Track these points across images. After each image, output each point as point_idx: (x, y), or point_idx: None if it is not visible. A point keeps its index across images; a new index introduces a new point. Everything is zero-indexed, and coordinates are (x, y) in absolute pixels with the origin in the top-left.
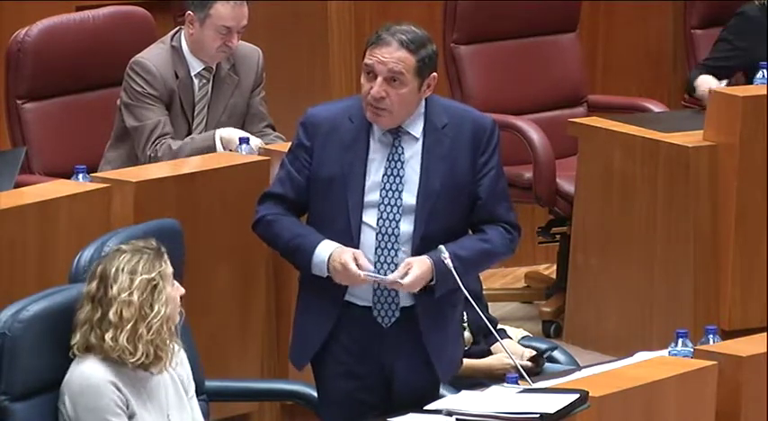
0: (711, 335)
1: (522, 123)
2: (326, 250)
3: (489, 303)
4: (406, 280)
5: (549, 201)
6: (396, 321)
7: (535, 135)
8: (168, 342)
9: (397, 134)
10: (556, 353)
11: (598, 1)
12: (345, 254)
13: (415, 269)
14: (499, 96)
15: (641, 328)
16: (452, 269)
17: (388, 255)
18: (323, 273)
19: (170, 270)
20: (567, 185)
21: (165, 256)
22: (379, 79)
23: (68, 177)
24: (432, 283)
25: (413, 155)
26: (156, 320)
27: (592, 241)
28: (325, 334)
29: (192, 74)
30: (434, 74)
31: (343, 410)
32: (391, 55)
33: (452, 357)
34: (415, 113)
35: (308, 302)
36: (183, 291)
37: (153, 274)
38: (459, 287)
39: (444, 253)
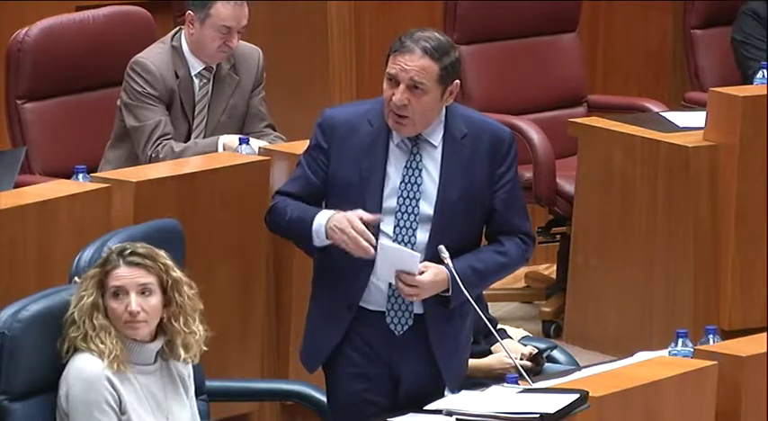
0: (711, 335)
1: (523, 123)
2: (326, 215)
3: (489, 303)
4: (422, 277)
5: (549, 201)
6: (411, 328)
7: (535, 135)
8: (100, 343)
9: (416, 141)
10: (556, 353)
11: (598, 1)
12: (348, 213)
13: (431, 270)
14: (499, 96)
15: (641, 328)
16: (452, 269)
17: None
18: (322, 241)
19: (119, 283)
20: (568, 185)
21: (119, 267)
22: (402, 87)
23: (68, 177)
24: (447, 294)
25: (431, 163)
26: (66, 319)
27: (592, 241)
28: (338, 339)
29: (193, 74)
30: (457, 81)
31: (352, 411)
32: (414, 63)
33: (461, 366)
34: (435, 121)
35: (322, 306)
36: (135, 307)
37: (80, 279)
38: (480, 292)
39: (444, 253)
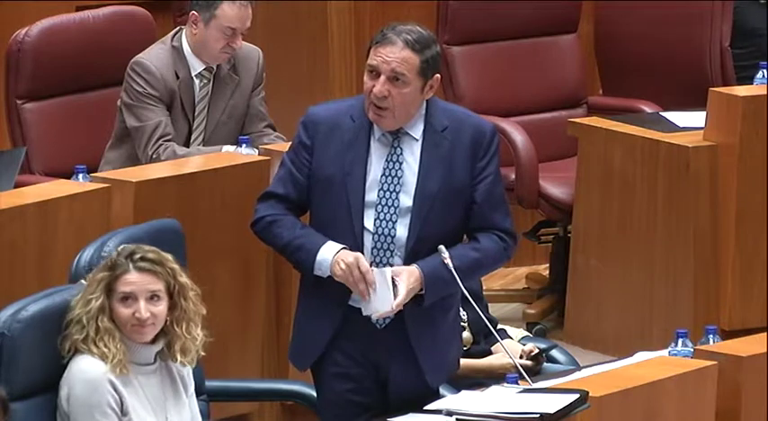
0: (711, 335)
1: (506, 125)
2: (332, 250)
3: (489, 303)
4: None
5: (530, 203)
6: (392, 324)
7: (518, 137)
8: (103, 347)
9: (396, 135)
10: (556, 353)
11: (598, 1)
12: (353, 254)
13: (403, 276)
14: (492, 98)
15: (641, 328)
16: (452, 269)
17: (384, 256)
18: (324, 272)
19: (128, 289)
20: (552, 188)
21: (129, 272)
22: (382, 78)
23: (68, 177)
24: (421, 292)
25: (411, 156)
26: (72, 319)
27: (592, 241)
28: (328, 338)
29: (193, 74)
30: (437, 75)
31: (340, 411)
32: (395, 54)
33: (442, 363)
34: (415, 115)
35: (310, 306)
36: (144, 314)
37: (87, 281)
38: (459, 290)
39: (444, 253)
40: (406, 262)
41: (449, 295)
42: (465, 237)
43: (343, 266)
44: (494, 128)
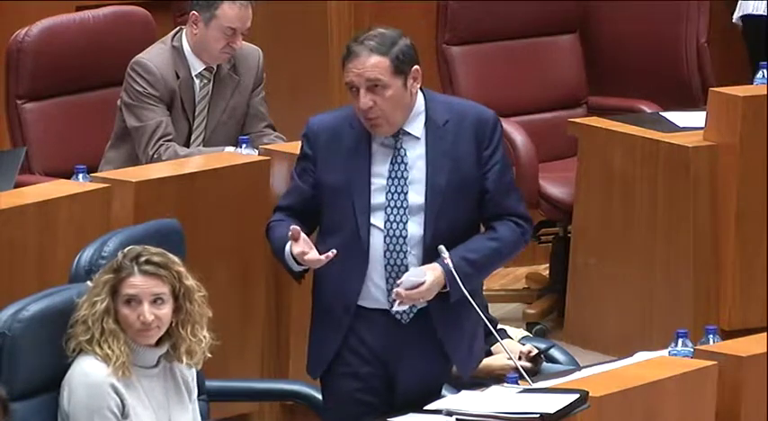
0: (711, 335)
1: (506, 125)
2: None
3: (489, 304)
4: (414, 292)
5: (530, 204)
6: (415, 319)
7: (518, 137)
8: (107, 348)
9: (398, 136)
10: (555, 353)
11: (599, 1)
12: (294, 247)
13: (429, 272)
14: (492, 97)
15: (641, 328)
16: (452, 269)
17: (397, 257)
18: (296, 266)
19: (132, 291)
20: (552, 188)
21: (134, 275)
22: (362, 91)
23: (68, 177)
24: (445, 290)
25: (417, 155)
26: (78, 320)
27: (591, 241)
28: (339, 342)
29: (193, 74)
30: (416, 67)
31: (345, 410)
32: (364, 64)
33: (468, 353)
34: (413, 112)
35: (321, 314)
36: (148, 317)
37: (93, 282)
38: (481, 283)
39: (444, 253)
40: (425, 259)
41: (470, 289)
42: (482, 226)
43: (307, 259)
44: (495, 115)
